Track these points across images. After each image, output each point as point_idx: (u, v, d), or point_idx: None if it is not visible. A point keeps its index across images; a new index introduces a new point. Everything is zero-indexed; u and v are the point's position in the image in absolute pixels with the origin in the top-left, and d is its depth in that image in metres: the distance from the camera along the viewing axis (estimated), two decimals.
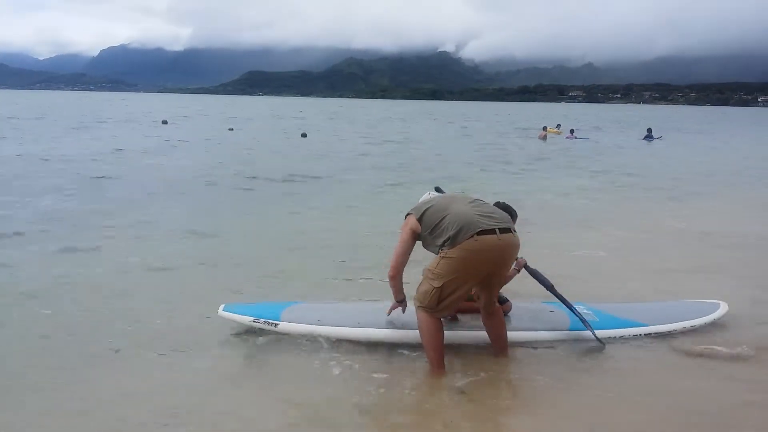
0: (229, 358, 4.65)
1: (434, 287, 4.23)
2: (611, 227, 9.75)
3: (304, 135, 31.93)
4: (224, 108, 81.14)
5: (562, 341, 4.97)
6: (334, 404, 3.92)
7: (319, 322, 5.07)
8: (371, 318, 5.12)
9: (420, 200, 4.75)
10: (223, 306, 5.24)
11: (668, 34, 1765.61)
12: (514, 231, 4.32)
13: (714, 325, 5.25)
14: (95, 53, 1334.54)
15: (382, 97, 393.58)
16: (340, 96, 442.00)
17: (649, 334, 5.12)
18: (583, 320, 4.88)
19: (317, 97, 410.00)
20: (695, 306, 5.59)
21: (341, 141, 29.30)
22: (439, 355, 4.40)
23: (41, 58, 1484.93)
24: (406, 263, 4.47)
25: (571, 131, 35.59)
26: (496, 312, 4.61)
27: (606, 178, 16.61)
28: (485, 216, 4.25)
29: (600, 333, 4.90)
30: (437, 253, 4.33)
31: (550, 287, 5.01)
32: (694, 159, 23.95)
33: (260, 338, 4.92)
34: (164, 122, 40.17)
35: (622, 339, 5.03)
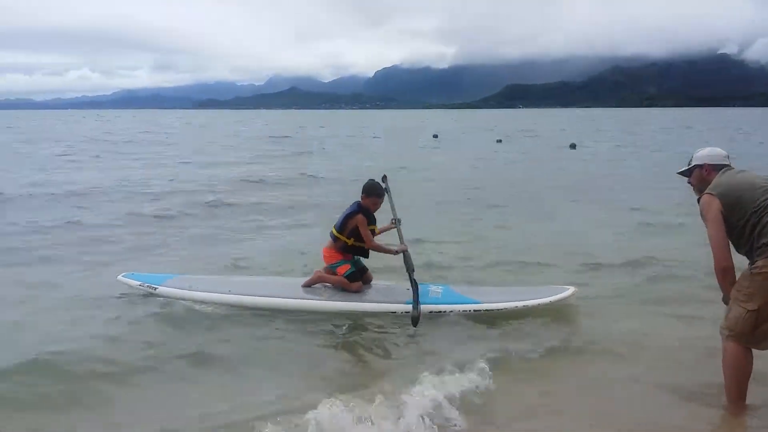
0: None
1: (747, 310, 3.58)
2: None
3: (572, 146, 31.07)
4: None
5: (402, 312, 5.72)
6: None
7: (190, 288, 6.02)
8: (241, 287, 6.04)
9: (701, 155, 4.11)
10: (122, 274, 6.32)
11: None
12: None
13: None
14: (371, 74, 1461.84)
15: (649, 105, 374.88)
16: (603, 106, 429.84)
17: (479, 310, 5.75)
18: (415, 298, 5.62)
19: (578, 107, 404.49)
20: (542, 290, 6.13)
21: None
22: (742, 391, 3.85)
23: (325, 81, 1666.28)
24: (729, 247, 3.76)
25: None
26: None
27: None
28: None
29: (436, 307, 5.75)
30: (747, 253, 3.76)
31: (410, 271, 5.83)
32: None
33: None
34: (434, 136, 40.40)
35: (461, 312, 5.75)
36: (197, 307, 5.87)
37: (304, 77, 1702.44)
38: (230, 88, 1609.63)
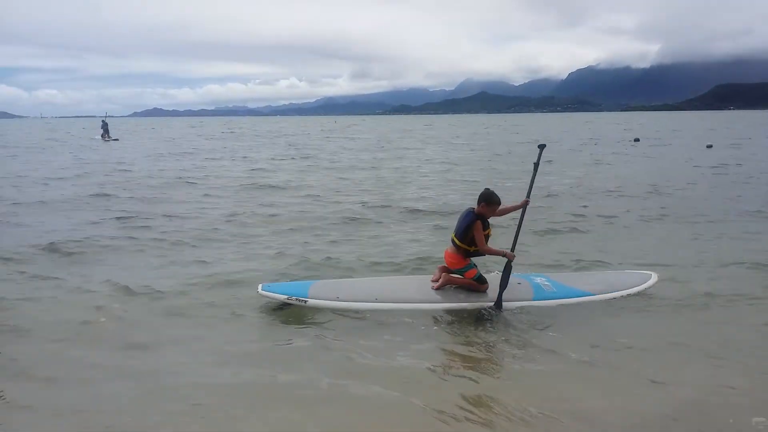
0: None
1: None
2: None
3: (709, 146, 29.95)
4: None
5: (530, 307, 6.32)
6: None
7: (338, 299, 6.26)
8: (386, 293, 6.37)
9: None
10: (261, 285, 6.41)
11: None
12: None
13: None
14: (564, 76, 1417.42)
15: None
16: None
17: (595, 301, 6.48)
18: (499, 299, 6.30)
19: None
20: (631, 276, 7.04)
21: None
22: None
23: (516, 84, 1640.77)
24: None
25: None
26: None
27: None
28: None
29: (561, 302, 6.40)
30: None
31: (503, 286, 6.31)
32: None
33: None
34: None
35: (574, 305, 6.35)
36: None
37: (495, 81, 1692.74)
38: (422, 94, 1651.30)
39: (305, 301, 6.23)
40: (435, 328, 5.94)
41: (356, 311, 6.18)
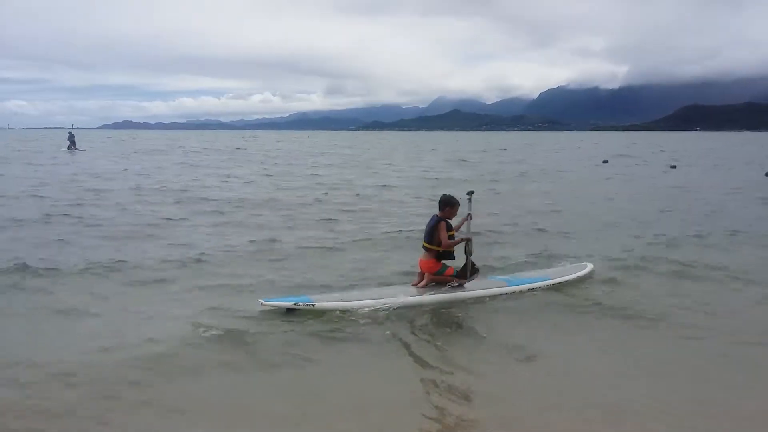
0: None
1: None
2: None
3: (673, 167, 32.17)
4: None
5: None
6: None
7: (341, 299, 6.58)
8: (386, 293, 6.90)
9: None
10: (261, 300, 6.50)
11: None
12: None
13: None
14: (534, 96, 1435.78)
15: None
16: None
17: (554, 284, 7.75)
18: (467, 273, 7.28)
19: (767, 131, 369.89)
20: (575, 266, 8.44)
21: None
22: None
23: (488, 103, 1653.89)
24: None
25: None
26: None
27: None
28: None
29: (530, 285, 7.58)
30: None
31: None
32: None
33: None
34: None
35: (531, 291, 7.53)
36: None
37: (468, 99, 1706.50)
38: (395, 111, 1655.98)
39: (313, 305, 6.40)
40: (431, 321, 6.64)
41: (361, 309, 6.56)
